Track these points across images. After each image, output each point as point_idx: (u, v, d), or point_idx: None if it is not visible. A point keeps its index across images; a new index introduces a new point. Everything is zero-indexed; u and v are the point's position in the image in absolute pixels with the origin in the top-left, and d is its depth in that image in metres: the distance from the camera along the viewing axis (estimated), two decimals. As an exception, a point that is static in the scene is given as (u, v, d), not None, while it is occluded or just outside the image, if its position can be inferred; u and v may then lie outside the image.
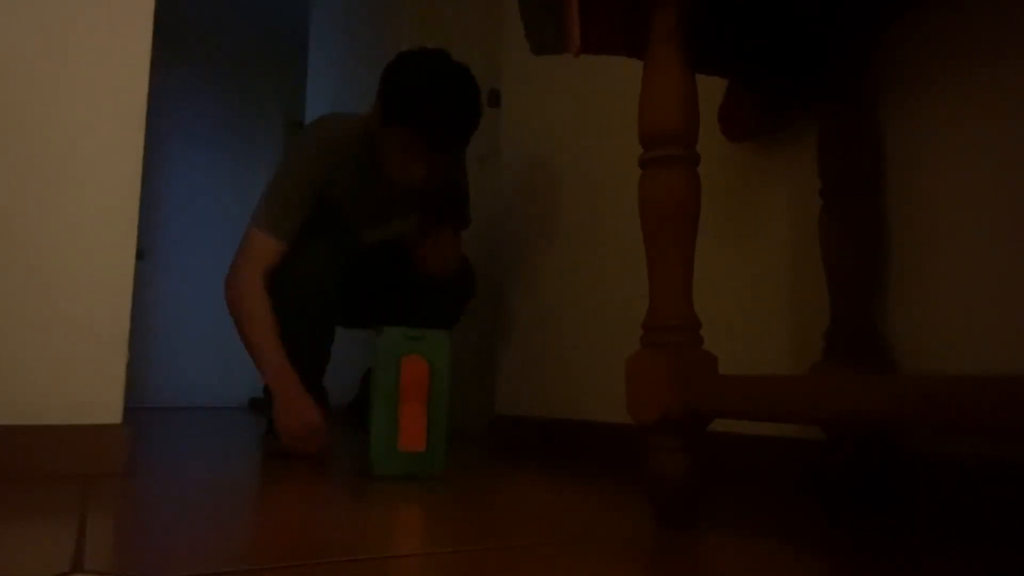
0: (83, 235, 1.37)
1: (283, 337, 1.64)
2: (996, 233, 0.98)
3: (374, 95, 1.71)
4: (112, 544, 0.77)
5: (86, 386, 1.34)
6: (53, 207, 1.35)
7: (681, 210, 0.93)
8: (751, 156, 1.40)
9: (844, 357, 1.09)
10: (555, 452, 1.87)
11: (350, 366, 2.88)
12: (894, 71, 1.14)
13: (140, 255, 4.82)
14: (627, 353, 1.67)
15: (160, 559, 0.70)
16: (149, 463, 1.51)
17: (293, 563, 0.69)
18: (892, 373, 1.09)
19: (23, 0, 1.35)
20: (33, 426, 1.28)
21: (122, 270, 1.39)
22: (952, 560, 0.77)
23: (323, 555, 0.72)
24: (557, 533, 0.86)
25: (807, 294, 1.26)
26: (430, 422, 1.37)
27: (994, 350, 0.97)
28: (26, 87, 1.35)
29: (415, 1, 2.95)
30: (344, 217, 1.79)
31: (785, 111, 1.32)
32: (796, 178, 1.30)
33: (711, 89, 1.42)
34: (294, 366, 1.62)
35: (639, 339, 0.95)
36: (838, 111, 1.12)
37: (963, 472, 0.97)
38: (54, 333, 1.33)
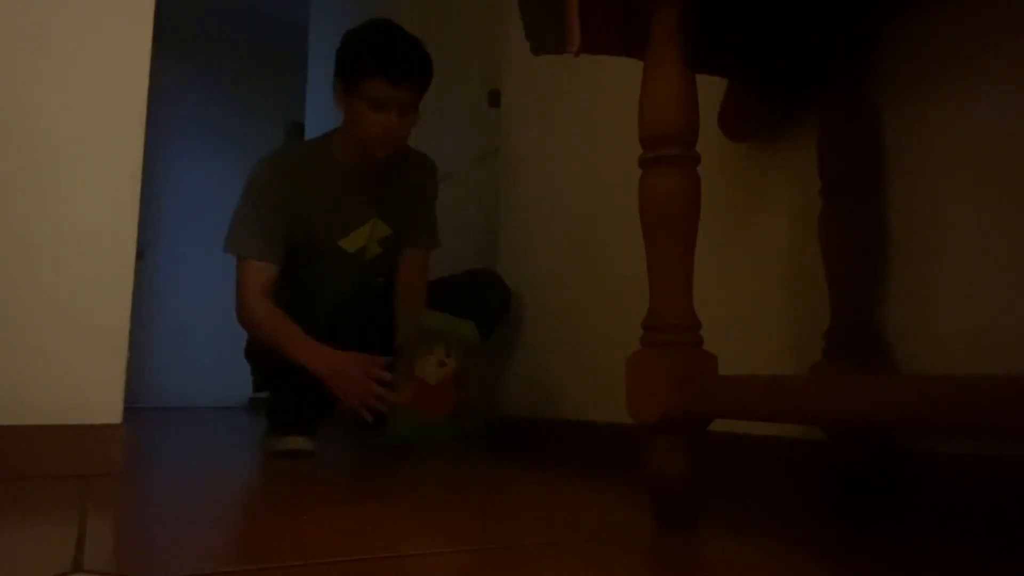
0: (83, 235, 1.37)
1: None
2: (996, 233, 0.98)
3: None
4: (112, 544, 0.77)
5: (86, 386, 1.34)
6: (53, 207, 1.35)
7: (681, 210, 0.93)
8: (751, 156, 1.40)
9: (844, 357, 1.09)
10: (555, 452, 1.86)
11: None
12: (894, 70, 1.14)
13: (140, 255, 4.82)
14: (627, 353, 1.67)
15: (160, 559, 0.70)
16: (149, 463, 1.51)
17: (292, 563, 0.69)
18: (892, 373, 1.09)
19: (25, 1, 1.35)
20: (33, 426, 1.28)
21: (122, 269, 1.39)
22: (952, 560, 0.77)
23: (322, 555, 0.72)
24: (557, 533, 0.86)
25: (807, 294, 1.26)
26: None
27: (994, 350, 0.97)
28: (27, 88, 1.35)
29: (415, 2, 2.95)
30: (319, 232, 1.80)
31: (785, 111, 1.32)
32: (796, 178, 1.30)
33: (711, 89, 1.41)
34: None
35: (639, 339, 0.95)
36: (838, 111, 1.12)
37: (963, 472, 0.97)
38: (54, 333, 1.33)
